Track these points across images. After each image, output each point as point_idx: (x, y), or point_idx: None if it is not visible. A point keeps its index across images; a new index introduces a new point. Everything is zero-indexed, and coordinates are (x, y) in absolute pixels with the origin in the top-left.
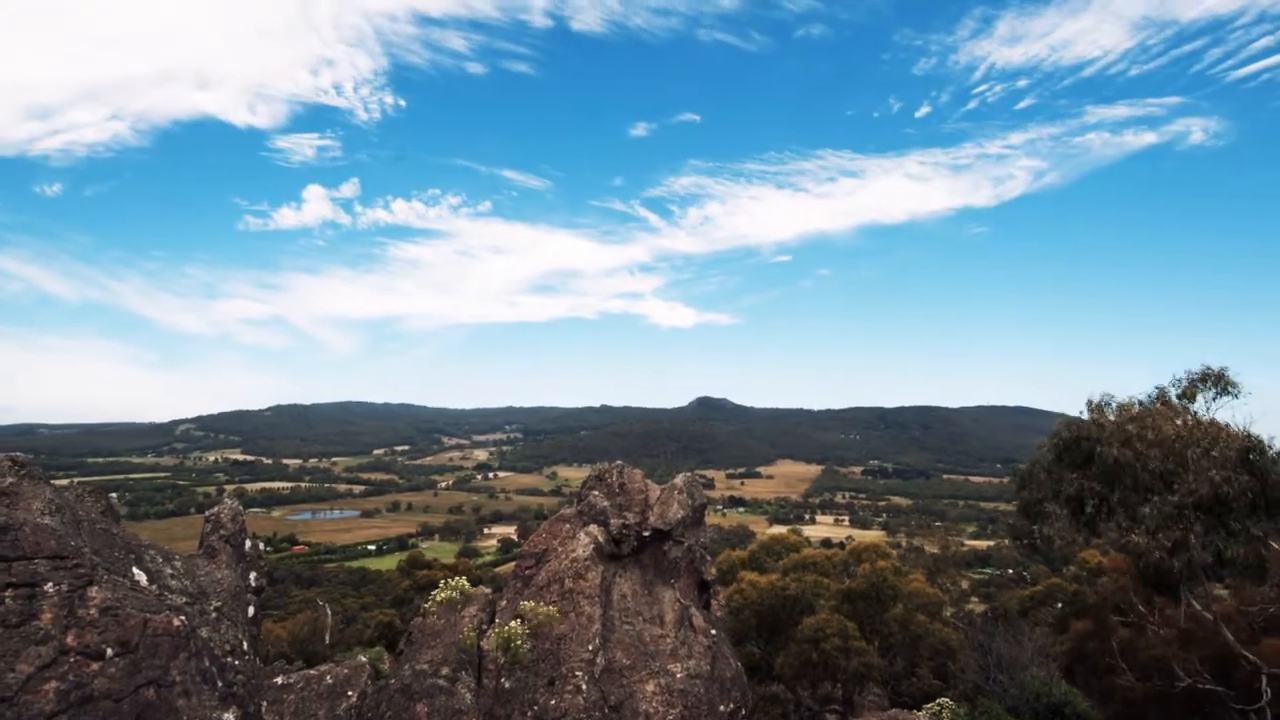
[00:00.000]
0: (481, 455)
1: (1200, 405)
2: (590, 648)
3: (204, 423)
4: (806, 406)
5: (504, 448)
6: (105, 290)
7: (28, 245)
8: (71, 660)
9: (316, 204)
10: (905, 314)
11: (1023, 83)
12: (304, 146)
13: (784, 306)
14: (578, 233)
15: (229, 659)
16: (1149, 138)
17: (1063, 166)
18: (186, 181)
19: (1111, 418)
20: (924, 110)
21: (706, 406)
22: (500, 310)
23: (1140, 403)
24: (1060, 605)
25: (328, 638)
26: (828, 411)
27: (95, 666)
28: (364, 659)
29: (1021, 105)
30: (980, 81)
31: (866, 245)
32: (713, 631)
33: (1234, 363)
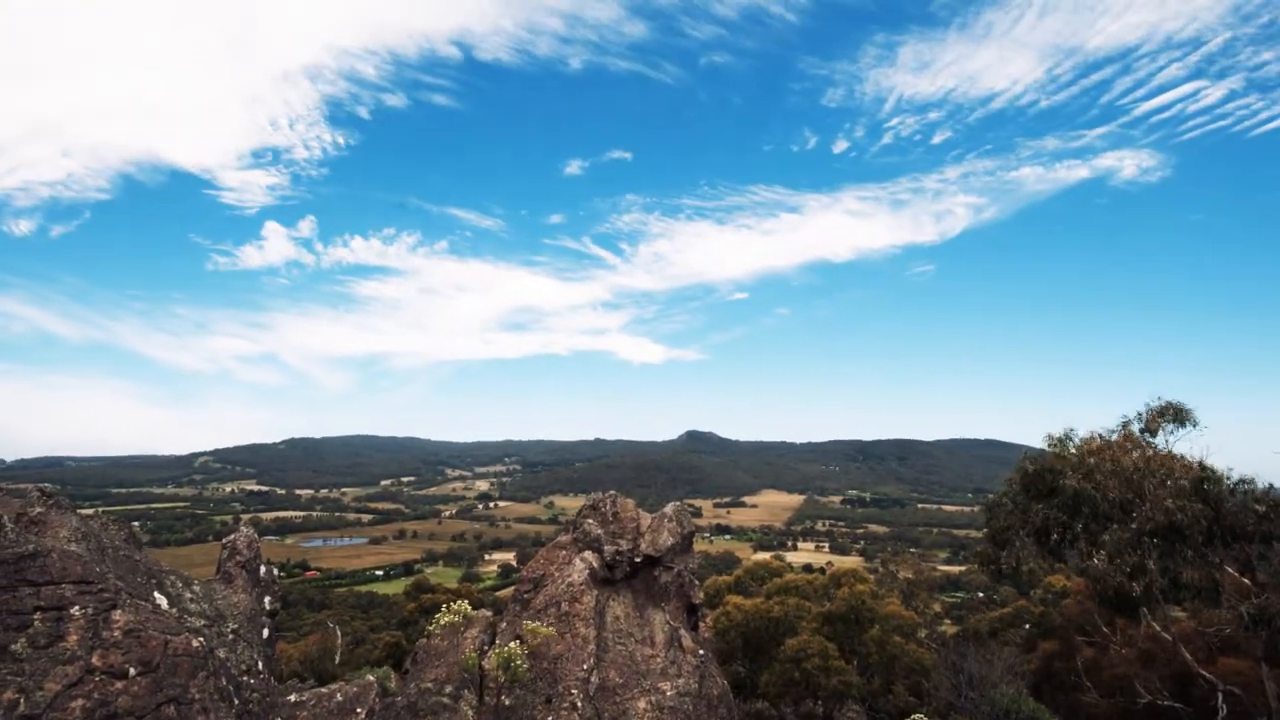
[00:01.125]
0: (483, 486)
1: (1161, 438)
2: (585, 667)
3: (221, 455)
4: (789, 439)
5: (504, 479)
6: (104, 330)
7: (23, 287)
8: (97, 679)
9: (278, 242)
10: (868, 352)
11: (934, 115)
12: (253, 185)
13: (750, 345)
14: (535, 270)
15: (245, 678)
16: (1082, 172)
17: (1000, 201)
18: (147, 222)
19: (1073, 450)
20: (842, 145)
21: (694, 439)
22: (478, 348)
23: (1101, 436)
24: (1028, 626)
25: (338, 658)
26: (809, 444)
27: (119, 685)
28: (372, 678)
29: (938, 139)
30: (893, 114)
31: (818, 283)
32: (701, 652)
33: (1187, 393)
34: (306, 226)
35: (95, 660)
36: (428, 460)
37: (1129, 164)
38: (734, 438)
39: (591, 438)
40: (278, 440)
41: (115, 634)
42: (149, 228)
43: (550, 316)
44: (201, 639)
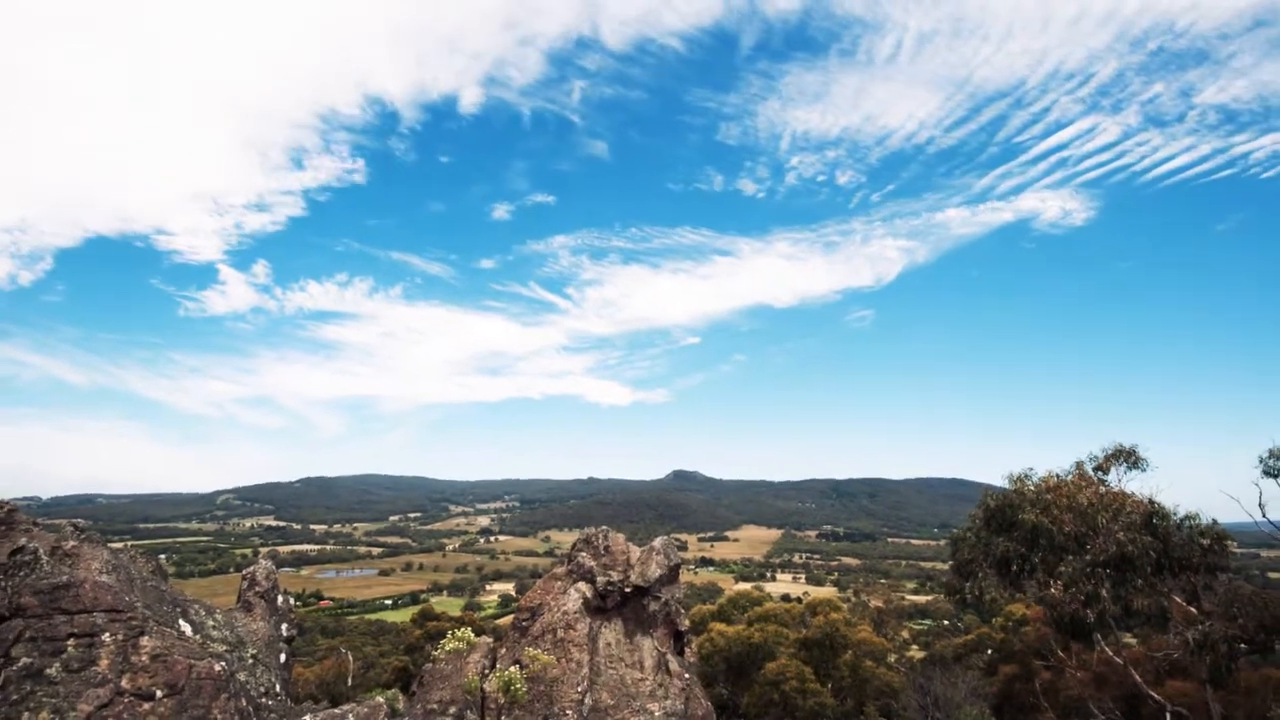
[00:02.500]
0: (484, 521)
1: (1114, 477)
2: (579, 689)
3: (241, 493)
4: (768, 478)
5: (503, 515)
6: (111, 376)
7: (24, 335)
8: (126, 701)
9: (238, 287)
10: (826, 398)
11: (832, 153)
12: (200, 231)
13: (714, 390)
14: (489, 314)
15: (264, 699)
16: (1005, 215)
17: (929, 244)
18: (105, 268)
19: (1031, 488)
20: (750, 186)
21: (681, 478)
22: (455, 391)
23: (1058, 475)
24: (990, 652)
25: (350, 680)
26: (787, 482)
27: (146, 706)
28: (381, 699)
29: (843, 179)
30: (791, 152)
31: (764, 328)
32: (686, 675)
33: (1137, 434)
34: (261, 271)
35: (125, 683)
36: (433, 497)
37: (1051, 206)
38: (718, 476)
39: (585, 476)
40: (293, 479)
41: (143, 659)
42: (109, 274)
43: (518, 361)
44: (223, 663)
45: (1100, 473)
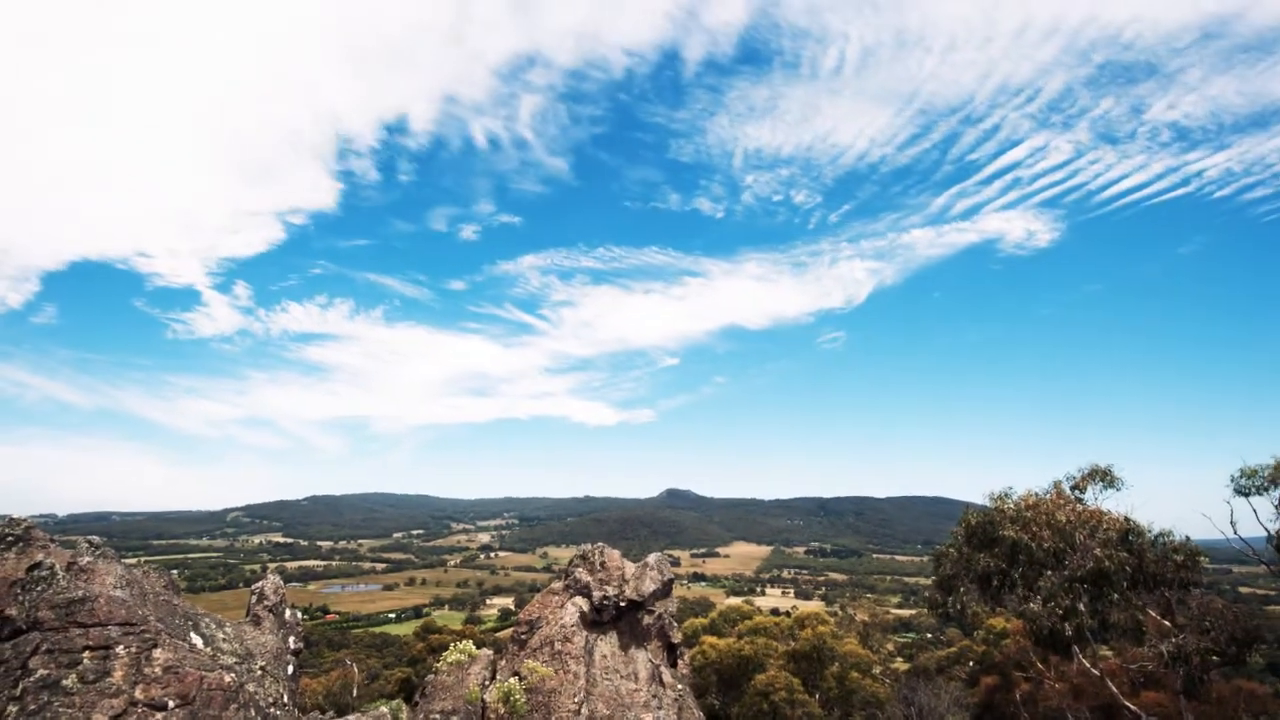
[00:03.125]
0: (484, 538)
1: (1090, 496)
2: (576, 700)
3: (250, 511)
4: (758, 496)
5: (503, 532)
6: (109, 398)
7: (22, 357)
8: (139, 711)
9: (221, 309)
10: (807, 418)
11: (785, 172)
12: (179, 253)
13: (698, 410)
14: (467, 336)
15: (272, 710)
16: (970, 236)
17: (896, 264)
18: (91, 292)
19: (1011, 506)
20: (707, 205)
21: (674, 496)
22: (445, 412)
23: (1037, 494)
24: (971, 664)
25: (355, 691)
26: (776, 501)
27: (159, 716)
28: (385, 709)
29: (800, 198)
30: (745, 169)
31: (740, 349)
32: (679, 686)
33: (1111, 453)
34: (243, 294)
35: (138, 694)
36: (435, 515)
37: (1015, 227)
38: (709, 495)
39: (581, 495)
40: (300, 497)
41: (156, 670)
42: (95, 297)
43: (501, 382)
44: (233, 675)
45: (1077, 491)
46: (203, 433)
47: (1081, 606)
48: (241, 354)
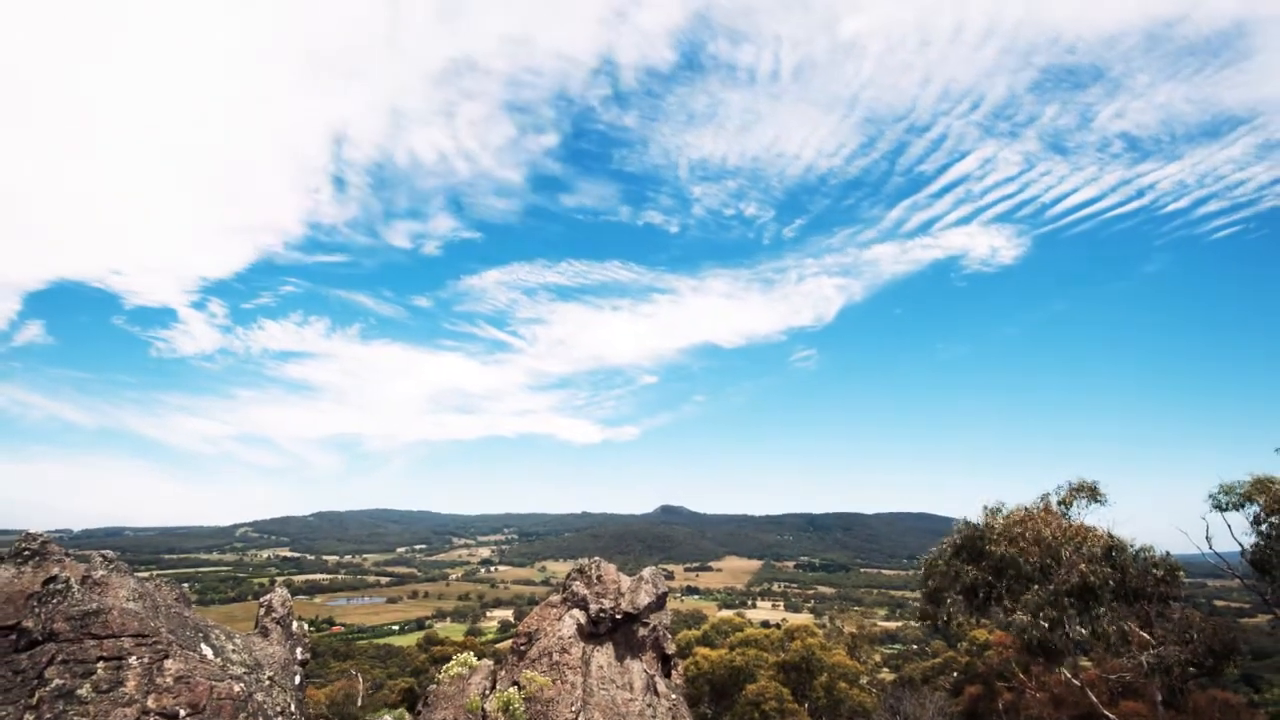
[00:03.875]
0: (485, 553)
1: (1075, 511)
2: (573, 709)
3: (259, 526)
4: (749, 512)
5: (503, 546)
6: (110, 417)
7: (22, 376)
8: (152, 719)
9: (199, 327)
10: (787, 436)
11: (733, 183)
12: (150, 270)
13: (682, 428)
14: (444, 354)
15: (279, 719)
16: (934, 252)
17: (863, 280)
18: (71, 310)
19: (1000, 521)
20: (658, 218)
21: (668, 512)
22: (434, 430)
23: (1025, 508)
24: (956, 674)
25: (360, 701)
26: (766, 516)
27: None
28: (389, 718)
29: (750, 210)
30: (692, 180)
31: (717, 367)
32: (673, 696)
33: (1098, 470)
34: (219, 312)
35: (150, 703)
36: (437, 530)
37: (979, 243)
38: (702, 511)
39: (579, 511)
40: (307, 513)
41: (168, 680)
42: (78, 315)
43: (484, 400)
44: (242, 685)
45: (1063, 507)
46: (200, 450)
47: (1067, 619)
48: (225, 372)
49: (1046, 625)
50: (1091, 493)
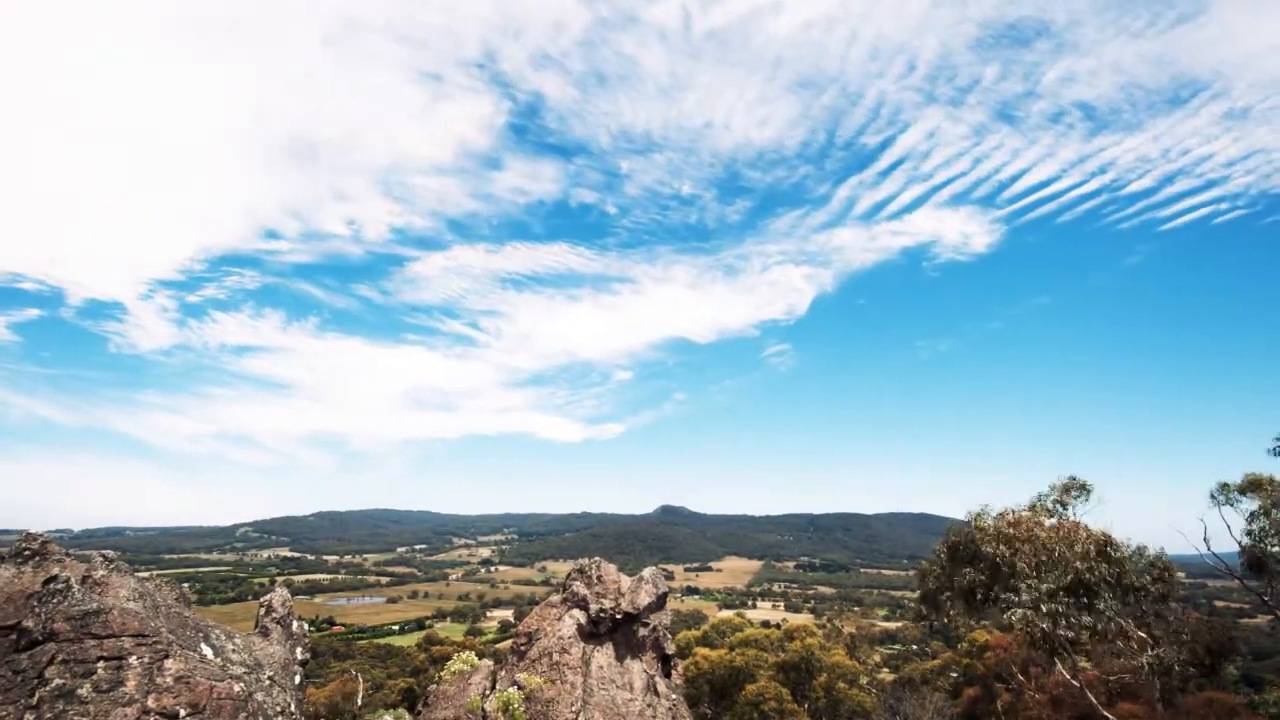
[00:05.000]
0: (485, 553)
1: (1070, 510)
2: (573, 709)
3: (259, 526)
4: (749, 513)
5: (503, 546)
6: (90, 416)
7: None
8: (152, 719)
9: (149, 320)
10: (789, 435)
11: (662, 158)
12: (91, 264)
13: (670, 427)
14: (408, 348)
15: (279, 718)
16: (904, 239)
17: (831, 268)
18: (24, 305)
19: (990, 522)
20: (589, 195)
21: (668, 512)
22: (415, 429)
23: (1016, 510)
24: (955, 675)
25: (359, 701)
26: (767, 517)
27: None
28: (389, 718)
29: (687, 189)
30: (617, 152)
31: (692, 361)
32: (673, 696)
33: (1083, 469)
34: (170, 305)
35: (150, 703)
36: (437, 530)
37: (950, 230)
38: (702, 511)
39: (579, 510)
40: (308, 513)
41: (168, 680)
42: (29, 311)
43: (462, 397)
44: (242, 685)
45: (1058, 506)
46: (185, 449)
47: (1063, 619)
48: (186, 367)
49: (1044, 626)
50: (1084, 491)
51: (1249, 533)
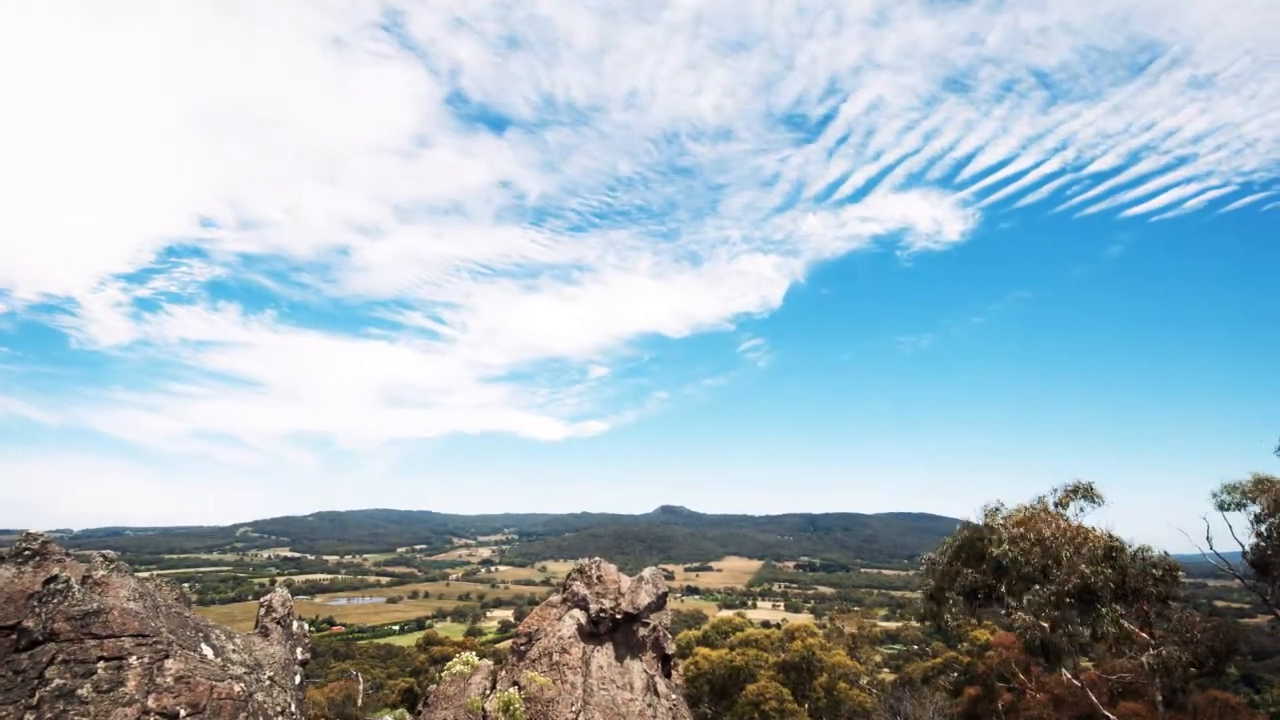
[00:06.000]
0: (485, 553)
1: (1073, 512)
2: (574, 709)
3: (259, 526)
4: (749, 513)
5: (503, 546)
6: (71, 416)
7: None
8: (152, 719)
9: (103, 312)
10: (788, 436)
11: (590, 130)
12: (41, 258)
13: (656, 427)
14: (371, 343)
15: (279, 718)
16: (873, 226)
17: (800, 258)
18: None
19: (1001, 521)
20: (511, 168)
21: (668, 512)
22: (397, 427)
23: (1025, 509)
24: (956, 674)
25: (360, 701)
26: (766, 516)
27: None
28: (389, 718)
29: (623, 166)
30: (545, 122)
31: (667, 356)
32: (673, 696)
33: (1086, 469)
34: (123, 298)
35: (151, 703)
36: (437, 530)
37: (921, 215)
38: (702, 511)
39: (579, 511)
40: (307, 513)
41: (168, 680)
42: None
43: (439, 394)
44: (242, 685)
45: (1061, 508)
46: (166, 448)
47: (1069, 620)
48: (150, 364)
49: (1048, 626)
50: (1088, 493)
51: (1258, 533)
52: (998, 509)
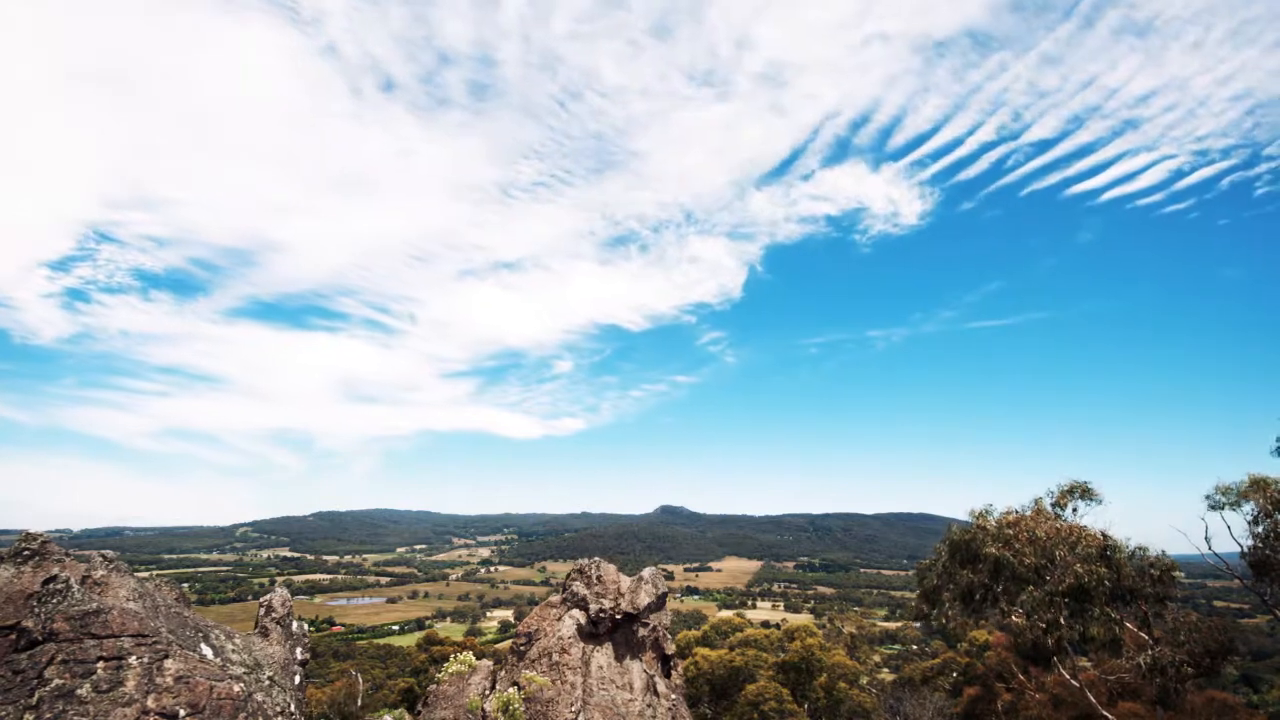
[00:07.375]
0: (484, 553)
1: (1069, 511)
2: (573, 709)
3: (258, 526)
4: (749, 513)
5: (503, 546)
6: (50, 417)
7: None
8: (151, 719)
9: (36, 305)
10: (786, 434)
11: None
12: None
13: (635, 428)
14: (317, 334)
15: (279, 718)
16: (825, 205)
17: (755, 241)
18: None
19: (993, 522)
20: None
21: (668, 512)
22: (370, 425)
23: (1018, 510)
24: (955, 675)
25: (359, 701)
26: (767, 517)
27: None
28: (389, 718)
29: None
30: (442, 65)
31: (627, 349)
32: (673, 696)
33: (1084, 469)
34: (53, 288)
35: (150, 703)
36: (437, 530)
37: (872, 192)
38: (702, 511)
39: (579, 511)
40: (307, 513)
41: (168, 680)
42: None
43: (403, 391)
44: (242, 685)
45: (1058, 508)
46: (141, 446)
47: (1063, 620)
48: (96, 357)
49: (1043, 626)
50: (1086, 493)
51: (1255, 534)
52: (987, 510)
